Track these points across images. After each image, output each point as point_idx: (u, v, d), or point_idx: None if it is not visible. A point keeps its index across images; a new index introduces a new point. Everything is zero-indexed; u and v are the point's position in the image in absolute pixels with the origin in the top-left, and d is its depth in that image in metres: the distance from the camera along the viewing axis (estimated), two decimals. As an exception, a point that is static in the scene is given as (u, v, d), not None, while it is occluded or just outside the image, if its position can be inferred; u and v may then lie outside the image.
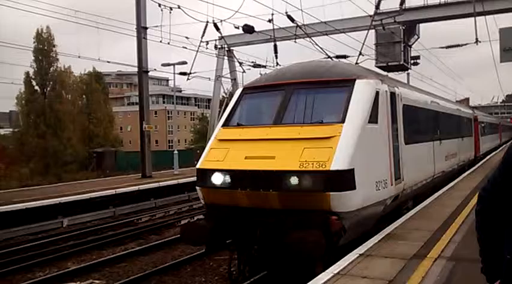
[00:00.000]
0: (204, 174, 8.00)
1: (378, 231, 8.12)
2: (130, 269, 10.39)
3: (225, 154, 7.83)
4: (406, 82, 24.00)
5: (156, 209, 18.33)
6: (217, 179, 7.71)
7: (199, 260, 10.57)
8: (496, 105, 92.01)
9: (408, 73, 30.93)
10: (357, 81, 8.06)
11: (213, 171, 7.77)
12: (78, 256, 11.58)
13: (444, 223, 8.84)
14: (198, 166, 8.29)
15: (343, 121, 7.47)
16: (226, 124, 8.72)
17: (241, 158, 7.59)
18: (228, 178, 7.61)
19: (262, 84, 9.12)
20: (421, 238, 7.61)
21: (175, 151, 27.43)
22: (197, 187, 8.32)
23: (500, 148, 39.20)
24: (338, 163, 6.91)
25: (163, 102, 79.18)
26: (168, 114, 75.36)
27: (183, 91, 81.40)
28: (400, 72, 24.33)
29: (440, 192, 13.06)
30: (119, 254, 11.46)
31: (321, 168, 6.90)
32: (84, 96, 55.63)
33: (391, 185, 8.56)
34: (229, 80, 29.42)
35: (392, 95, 9.23)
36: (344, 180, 6.96)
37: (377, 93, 8.33)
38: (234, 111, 8.93)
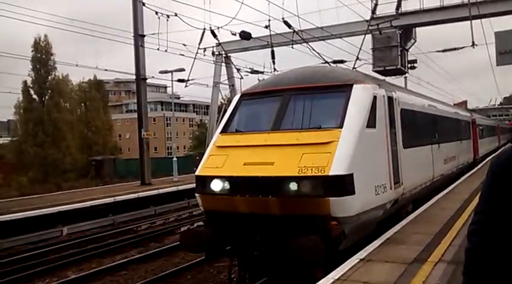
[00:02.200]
0: (203, 181, 7.99)
1: (377, 236, 8.11)
2: (131, 277, 10.37)
3: (224, 161, 7.83)
4: (403, 86, 24.10)
5: (156, 216, 18.30)
6: (217, 186, 7.70)
7: (200, 267, 10.55)
8: (493, 107, 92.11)
9: (405, 77, 30.99)
10: (355, 86, 8.07)
11: (212, 177, 7.77)
12: (78, 264, 11.56)
13: (444, 226, 8.83)
14: (197, 173, 8.28)
15: (341, 126, 7.47)
16: (224, 131, 8.72)
17: (240, 164, 7.59)
18: (227, 185, 7.61)
19: (260, 90, 9.12)
20: (421, 242, 7.60)
21: (174, 158, 27.40)
22: (196, 194, 8.31)
23: (499, 151, 39.23)
24: (337, 168, 6.91)
25: (162, 109, 79.25)
26: (167, 120, 75.45)
27: (181, 98, 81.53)
28: (397, 76, 24.43)
29: (439, 195, 13.06)
30: (119, 262, 11.44)
31: (320, 173, 6.89)
32: (82, 104, 55.71)
33: (390, 189, 8.54)
34: (228, 86, 29.47)
35: (390, 99, 9.24)
36: (343, 184, 6.95)
37: (375, 97, 8.34)
38: (232, 118, 8.94)
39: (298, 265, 6.92)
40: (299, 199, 7.02)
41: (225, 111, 10.45)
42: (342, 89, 8.09)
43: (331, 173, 6.85)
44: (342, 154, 7.07)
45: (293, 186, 6.99)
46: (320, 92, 8.19)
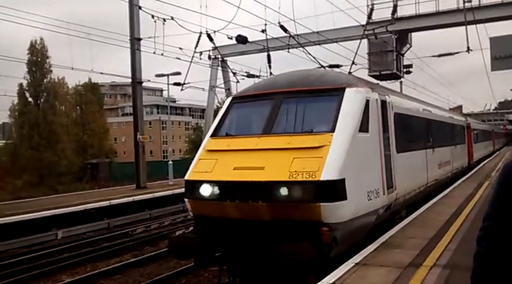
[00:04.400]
0: (193, 186, 7.84)
1: (371, 241, 8.01)
2: (125, 281, 10.34)
3: (214, 165, 7.69)
4: (399, 91, 24.18)
5: (151, 220, 18.24)
6: (206, 191, 7.56)
7: (195, 271, 10.52)
8: (488, 112, 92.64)
9: (401, 82, 31.13)
10: (347, 89, 7.97)
11: (202, 182, 7.62)
12: (73, 268, 11.50)
13: (439, 231, 8.85)
14: (186, 177, 8.13)
15: (333, 130, 7.36)
16: (215, 135, 8.56)
17: (230, 169, 7.46)
18: (216, 190, 7.47)
19: (251, 94, 8.99)
20: (417, 246, 7.62)
21: (170, 162, 27.37)
22: (185, 199, 8.15)
23: (494, 155, 39.38)
24: (328, 173, 6.80)
25: (158, 113, 79.07)
26: (163, 124, 75.28)
27: (177, 102, 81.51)
28: (392, 81, 24.51)
29: (434, 200, 13.08)
30: (113, 266, 11.39)
31: (311, 178, 6.78)
32: (78, 108, 55.60)
33: (383, 194, 8.44)
34: (224, 90, 29.47)
35: (384, 103, 9.16)
36: (335, 190, 6.84)
37: (367, 101, 8.24)
38: (223, 121, 8.79)
39: (288, 271, 6.81)
40: (289, 204, 6.90)
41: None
42: (334, 93, 8.00)
43: (322, 178, 6.75)
44: (333, 159, 6.96)
45: (283, 191, 6.87)
46: (312, 96, 8.09)
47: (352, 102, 7.86)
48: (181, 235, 8.23)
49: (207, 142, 8.51)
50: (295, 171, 6.89)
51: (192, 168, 8.13)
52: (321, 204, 6.74)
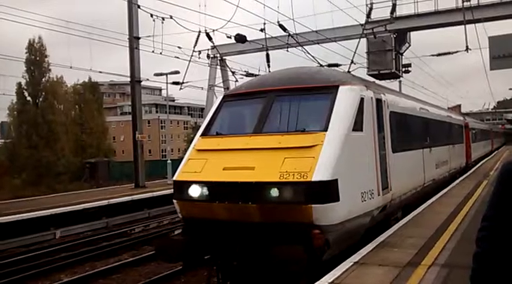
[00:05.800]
0: (181, 186, 7.64)
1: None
2: (124, 281, 10.35)
3: (203, 165, 7.50)
4: (398, 90, 24.19)
5: (150, 219, 18.26)
6: (195, 191, 7.37)
7: (194, 270, 10.51)
8: (487, 111, 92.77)
9: (400, 81, 31.16)
10: (341, 87, 7.79)
11: (190, 183, 7.43)
12: (71, 267, 11.50)
13: (437, 230, 8.86)
14: (174, 178, 7.97)
15: (326, 129, 7.18)
16: (205, 134, 8.37)
17: (220, 169, 7.27)
18: (205, 191, 7.28)
19: (243, 92, 8.79)
20: (415, 246, 7.62)
21: (169, 161, 27.36)
22: (174, 200, 7.95)
23: (492, 155, 39.41)
24: (320, 173, 6.62)
25: (156, 112, 79.06)
26: (161, 123, 75.28)
27: (176, 101, 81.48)
28: (392, 80, 24.50)
29: (432, 199, 13.07)
30: (112, 265, 11.39)
31: (302, 179, 6.59)
32: (77, 107, 55.55)
33: (378, 195, 8.27)
34: (222, 89, 29.46)
35: (379, 102, 9.01)
36: (327, 191, 6.66)
37: (362, 99, 8.08)
38: (214, 120, 8.58)
39: (279, 275, 6.66)
40: (280, 206, 6.72)
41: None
42: (328, 90, 7.83)
43: (314, 179, 6.56)
44: (326, 159, 6.79)
45: (274, 192, 6.67)
46: (305, 94, 7.91)
47: (345, 100, 7.69)
48: (169, 238, 8.03)
49: (197, 141, 8.31)
50: (286, 172, 6.71)
51: (181, 168, 7.94)
52: (313, 205, 6.55)
